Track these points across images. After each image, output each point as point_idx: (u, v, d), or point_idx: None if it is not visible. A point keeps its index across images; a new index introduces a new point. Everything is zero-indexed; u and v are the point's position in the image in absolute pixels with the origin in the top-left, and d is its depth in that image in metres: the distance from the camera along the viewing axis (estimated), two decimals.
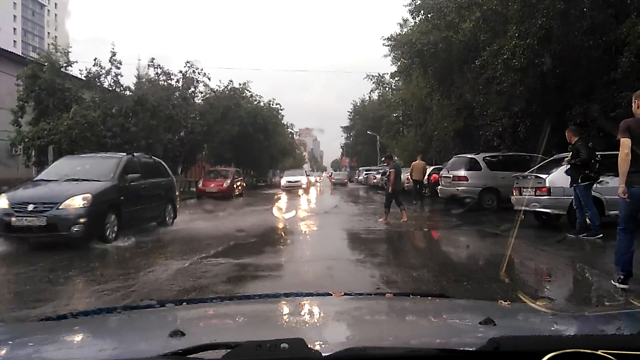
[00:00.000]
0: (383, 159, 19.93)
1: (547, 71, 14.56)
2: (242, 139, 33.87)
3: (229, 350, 1.17)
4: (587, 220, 9.00)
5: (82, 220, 8.86)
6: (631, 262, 5.47)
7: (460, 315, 2.01)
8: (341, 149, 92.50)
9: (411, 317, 2.04)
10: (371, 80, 45.42)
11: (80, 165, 10.87)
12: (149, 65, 26.18)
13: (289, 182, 34.53)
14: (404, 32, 26.52)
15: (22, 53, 47.56)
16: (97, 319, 2.01)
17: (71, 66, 22.25)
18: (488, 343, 1.19)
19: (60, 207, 8.87)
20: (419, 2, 20.94)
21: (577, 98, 14.65)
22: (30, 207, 8.79)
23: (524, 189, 10.99)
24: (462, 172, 15.86)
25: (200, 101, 31.97)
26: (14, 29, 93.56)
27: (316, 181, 51.80)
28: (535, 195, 10.51)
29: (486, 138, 18.87)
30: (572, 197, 9.36)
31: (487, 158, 15.91)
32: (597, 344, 1.15)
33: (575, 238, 9.03)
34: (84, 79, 23.05)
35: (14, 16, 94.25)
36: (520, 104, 16.12)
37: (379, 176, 32.21)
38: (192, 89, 29.54)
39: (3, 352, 1.44)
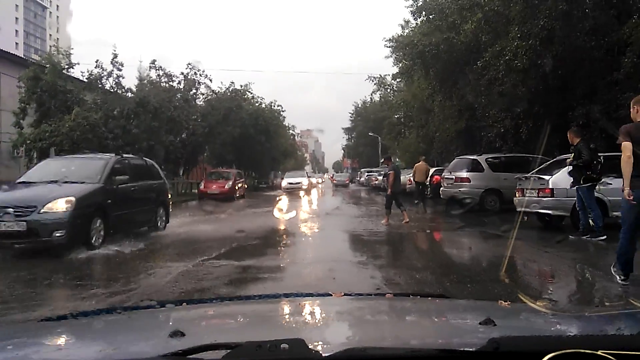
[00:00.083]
0: (382, 160, 19.90)
1: (549, 72, 14.54)
2: (244, 141, 33.86)
3: (229, 350, 1.17)
4: (591, 221, 8.96)
5: (64, 225, 8.26)
6: (632, 262, 5.53)
7: (460, 315, 2.02)
8: (342, 151, 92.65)
9: (411, 318, 2.04)
10: (372, 81, 45.42)
11: (65, 167, 10.28)
12: (150, 67, 26.27)
13: (289, 183, 34.39)
14: (405, 34, 26.54)
15: (24, 55, 47.62)
16: (97, 319, 2.00)
17: (73, 68, 22.32)
18: (488, 343, 1.18)
19: (41, 211, 8.24)
20: (420, 3, 20.90)
21: (579, 99, 14.62)
22: (10, 211, 8.16)
23: (527, 191, 10.95)
24: (464, 174, 15.82)
25: (201, 103, 31.98)
26: (16, 31, 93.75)
27: (318, 183, 51.78)
28: (538, 197, 10.47)
29: (488, 139, 18.84)
30: (575, 198, 9.32)
31: (490, 159, 15.87)
32: (597, 344, 1.15)
33: (578, 239, 8.99)
34: (86, 80, 23.08)
35: (16, 18, 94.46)
36: (522, 105, 16.09)
37: (380, 177, 32.18)
38: (194, 91, 29.56)
39: (3, 352, 1.43)
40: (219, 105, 32.14)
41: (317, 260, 8.12)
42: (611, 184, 8.99)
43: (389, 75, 40.27)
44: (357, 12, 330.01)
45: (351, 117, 67.89)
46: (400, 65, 26.07)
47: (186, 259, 8.13)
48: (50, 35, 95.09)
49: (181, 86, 28.11)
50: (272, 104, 40.16)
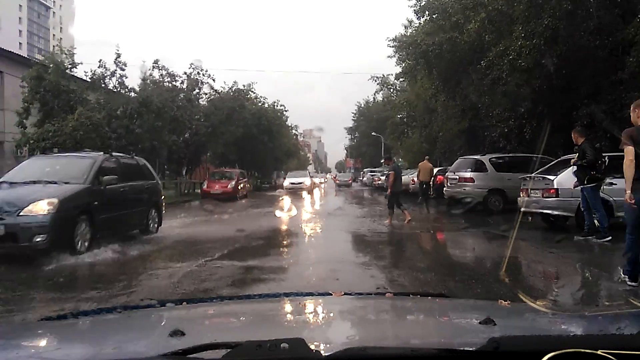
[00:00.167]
0: (383, 160, 19.85)
1: (553, 72, 14.48)
2: (247, 141, 33.85)
3: (229, 350, 1.17)
4: (596, 222, 8.89)
5: (46, 229, 7.62)
6: (638, 264, 5.51)
7: (460, 315, 2.02)
8: (345, 151, 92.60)
9: (411, 317, 2.04)
10: (376, 81, 45.43)
11: (50, 166, 9.63)
12: (153, 67, 26.23)
13: (292, 183, 34.31)
14: (408, 33, 26.47)
15: (27, 55, 47.73)
16: (97, 318, 2.00)
17: (76, 68, 22.29)
18: (488, 343, 1.19)
19: (21, 214, 7.62)
20: (423, 2, 20.87)
21: (583, 99, 14.56)
22: None
23: (531, 191, 10.90)
24: (468, 174, 15.78)
25: (204, 103, 31.98)
26: (20, 31, 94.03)
27: (321, 183, 51.74)
28: (543, 197, 10.41)
29: (492, 139, 18.79)
30: (580, 198, 9.26)
31: (493, 159, 15.81)
32: (597, 344, 1.15)
33: (583, 240, 8.93)
34: (89, 80, 23.10)
35: (20, 18, 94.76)
36: (526, 104, 16.06)
37: (383, 177, 32.16)
38: (197, 91, 29.55)
39: (3, 351, 1.43)
40: (222, 105, 32.14)
41: (320, 261, 8.09)
42: (616, 184, 8.93)
43: (392, 75, 40.26)
44: (360, 12, 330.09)
45: (354, 117, 67.93)
46: (404, 65, 26.02)
47: (180, 263, 7.81)
48: (53, 35, 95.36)
49: (184, 86, 28.13)
50: (275, 104, 40.16)
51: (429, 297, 2.41)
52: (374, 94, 54.47)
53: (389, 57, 31.30)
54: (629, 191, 5.39)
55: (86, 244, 8.33)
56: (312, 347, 1.19)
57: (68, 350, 1.51)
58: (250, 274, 7.00)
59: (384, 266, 7.56)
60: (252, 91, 35.39)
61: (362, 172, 56.41)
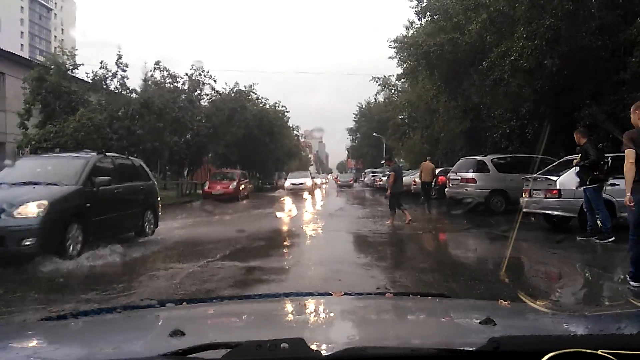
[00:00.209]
0: (383, 161, 19.81)
1: (555, 72, 14.47)
2: (248, 142, 33.86)
3: (229, 350, 1.17)
4: (599, 222, 8.87)
5: (35, 232, 7.30)
6: None
7: (460, 315, 2.02)
8: (347, 152, 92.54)
9: (411, 317, 2.04)
10: (377, 82, 45.34)
11: (41, 167, 9.30)
12: (155, 68, 26.24)
13: (293, 184, 34.15)
14: (410, 34, 26.44)
15: (29, 56, 47.77)
16: (97, 318, 2.01)
17: (77, 69, 22.35)
18: (488, 343, 1.19)
19: (8, 217, 7.33)
20: (425, 3, 20.88)
21: (585, 99, 14.54)
22: None
23: (534, 191, 10.87)
24: (470, 174, 15.75)
25: (206, 103, 32.02)
26: (22, 32, 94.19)
27: (322, 183, 51.69)
28: (546, 198, 10.38)
29: (493, 140, 18.76)
30: (583, 199, 9.23)
31: (495, 160, 15.78)
32: (597, 344, 1.15)
33: (586, 241, 8.90)
34: (91, 81, 23.12)
35: (22, 20, 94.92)
36: (528, 105, 16.03)
37: (384, 178, 32.12)
38: (198, 92, 29.58)
39: (3, 352, 1.43)
40: (224, 106, 32.16)
41: (322, 262, 8.06)
42: (618, 184, 8.87)
43: (393, 75, 40.22)
44: (361, 13, 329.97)
45: (355, 117, 67.91)
46: (405, 66, 26.00)
47: (176, 265, 7.59)
48: (55, 36, 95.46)
49: (185, 87, 28.14)
50: (277, 105, 40.20)
51: (429, 297, 2.41)
52: (375, 95, 54.49)
53: (390, 58, 31.21)
54: (629, 194, 5.46)
55: (78, 247, 8.03)
56: (312, 347, 1.19)
57: (68, 350, 1.51)
58: (252, 275, 6.97)
59: (386, 267, 7.54)
60: (253, 92, 35.47)
61: (363, 173, 56.40)
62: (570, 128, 12.58)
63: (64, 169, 8.95)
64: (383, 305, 2.20)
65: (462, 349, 1.25)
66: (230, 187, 26.44)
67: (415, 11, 21.31)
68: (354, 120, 68.80)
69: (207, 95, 31.70)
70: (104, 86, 23.25)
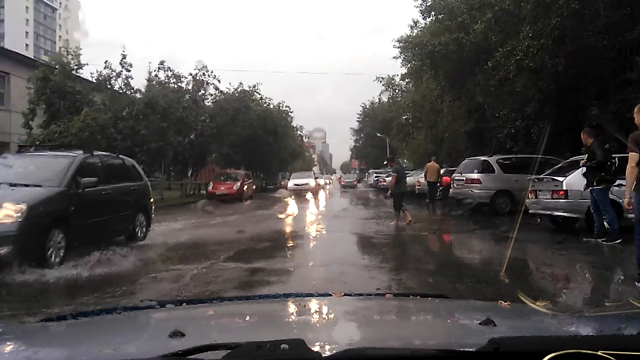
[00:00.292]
0: (385, 162, 19.74)
1: (560, 72, 14.39)
2: (252, 142, 33.85)
3: (228, 350, 1.17)
4: (606, 224, 8.79)
5: (12, 239, 6.72)
6: None
7: (460, 315, 2.02)
8: (350, 152, 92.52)
9: (411, 318, 2.04)
10: (381, 82, 45.24)
11: (22, 167, 8.55)
12: (159, 68, 26.24)
13: (296, 185, 33.94)
14: (414, 34, 26.38)
15: (34, 56, 47.93)
16: (97, 319, 2.01)
17: (82, 69, 22.39)
18: (488, 343, 1.19)
19: None
20: (429, 3, 20.81)
21: (591, 99, 14.45)
22: None
23: (540, 192, 10.79)
24: (475, 175, 15.67)
25: (210, 104, 31.97)
26: (26, 32, 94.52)
27: (326, 184, 51.61)
28: (552, 199, 10.30)
29: (498, 140, 18.68)
30: (590, 200, 9.15)
31: (501, 160, 15.69)
32: (597, 344, 1.15)
33: (593, 242, 8.82)
34: (95, 81, 23.15)
35: (27, 20, 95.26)
36: (533, 105, 15.94)
37: (388, 179, 32.05)
38: (202, 92, 29.55)
39: (3, 352, 1.44)
40: (228, 106, 32.13)
41: (327, 263, 7.99)
42: (632, 187, 8.81)
43: (397, 75, 40.13)
44: (365, 13, 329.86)
45: (359, 118, 67.84)
46: (409, 65, 25.94)
47: (167, 274, 7.11)
48: (60, 36, 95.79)
49: (190, 87, 28.12)
50: (280, 105, 40.16)
51: (429, 298, 2.41)
52: (379, 95, 54.43)
53: (394, 58, 31.17)
54: (627, 197, 5.55)
55: (61, 254, 7.41)
56: (312, 347, 1.19)
57: (68, 351, 1.51)
58: (257, 277, 6.91)
59: (392, 269, 7.47)
60: (257, 92, 35.40)
61: (367, 174, 56.34)
62: (576, 128, 12.51)
63: (47, 169, 8.23)
64: (383, 306, 2.20)
65: (462, 349, 1.24)
66: (234, 187, 26.42)
67: (420, 10, 21.25)
68: (358, 121, 68.79)
69: (211, 95, 31.70)
70: (108, 86, 23.28)
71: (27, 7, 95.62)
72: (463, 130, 22.81)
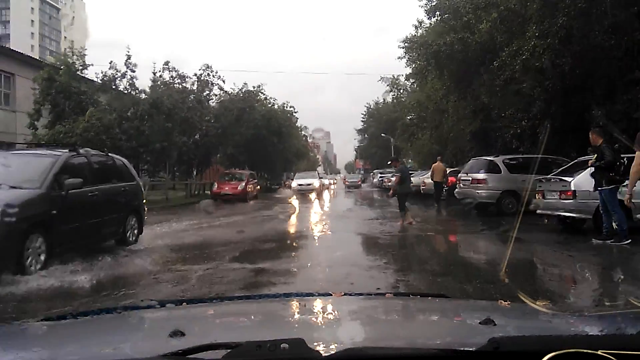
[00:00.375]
0: (389, 162, 19.67)
1: (567, 71, 14.30)
2: (256, 142, 33.86)
3: (229, 350, 1.17)
4: (614, 225, 8.70)
5: None
6: None
7: (460, 315, 2.02)
8: (355, 152, 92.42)
9: (411, 317, 2.04)
10: (385, 82, 45.19)
11: (0, 166, 7.79)
12: (164, 68, 26.30)
13: (300, 185, 33.53)
14: (419, 34, 26.32)
15: (39, 57, 48.06)
16: (97, 319, 2.01)
17: (87, 69, 22.48)
18: (488, 343, 1.19)
19: None
20: (434, 2, 20.75)
21: (598, 99, 14.36)
22: None
23: (548, 193, 10.70)
24: (481, 175, 15.57)
25: (214, 104, 32.03)
26: (32, 33, 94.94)
27: (330, 184, 51.53)
28: (560, 199, 10.21)
29: (504, 140, 18.58)
30: (599, 201, 9.06)
31: (507, 160, 15.58)
32: (597, 344, 1.15)
33: (602, 244, 8.73)
34: (100, 82, 23.20)
35: (32, 21, 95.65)
36: (539, 105, 15.85)
37: (393, 179, 31.92)
38: (207, 92, 29.60)
39: (3, 352, 1.43)
40: (232, 106, 32.19)
41: (333, 265, 7.91)
42: (635, 186, 8.73)
43: (402, 75, 40.05)
44: (370, 13, 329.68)
45: (363, 118, 67.76)
46: (414, 65, 25.88)
47: (160, 284, 6.56)
48: (65, 37, 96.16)
49: (194, 87, 28.17)
50: (285, 105, 40.17)
51: (429, 298, 2.41)
52: (384, 95, 54.40)
53: (399, 58, 31.10)
54: (628, 195, 5.31)
55: (41, 261, 6.84)
56: (312, 347, 1.19)
57: (68, 350, 1.50)
58: (262, 278, 6.86)
59: (399, 270, 7.40)
60: (261, 92, 35.46)
61: (372, 174, 56.29)
62: (582, 128, 12.42)
63: (27, 170, 7.61)
64: (383, 306, 2.20)
65: (462, 349, 1.24)
66: (239, 187, 26.40)
67: (425, 10, 21.22)
68: (362, 121, 68.67)
69: (216, 95, 31.79)
70: (113, 87, 23.34)
71: (32, 9, 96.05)
72: (468, 131, 22.74)
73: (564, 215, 10.45)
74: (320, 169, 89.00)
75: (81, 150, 8.80)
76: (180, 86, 26.93)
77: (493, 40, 16.84)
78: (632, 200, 9.01)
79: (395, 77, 43.53)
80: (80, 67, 21.89)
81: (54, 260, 6.97)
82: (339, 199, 31.57)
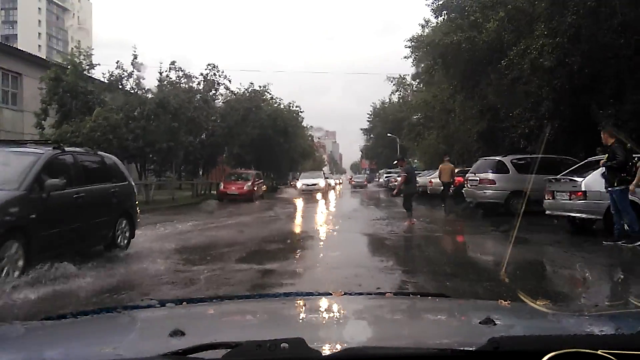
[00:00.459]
0: (395, 162, 19.58)
1: (576, 71, 14.18)
2: (263, 142, 33.82)
3: (229, 350, 1.17)
4: (626, 226, 8.60)
5: None
6: None
7: (460, 315, 2.03)
8: (361, 152, 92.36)
9: (411, 317, 2.04)
10: (392, 82, 45.09)
11: None
12: (170, 68, 26.29)
13: (305, 185, 33.27)
14: (425, 33, 26.24)
15: (46, 57, 48.25)
16: (97, 318, 2.01)
17: (94, 69, 22.53)
18: (488, 343, 1.19)
19: None
20: (441, 1, 20.64)
21: (607, 99, 14.24)
22: None
23: (557, 193, 10.60)
24: (489, 175, 15.46)
25: (221, 104, 32.01)
26: (39, 33, 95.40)
27: (336, 184, 51.45)
28: (570, 200, 10.11)
29: (511, 140, 18.44)
30: (609, 201, 8.96)
31: (515, 160, 15.45)
32: (597, 344, 1.15)
33: (613, 245, 8.63)
34: (107, 81, 23.25)
35: (39, 21, 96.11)
36: (547, 104, 15.73)
37: (399, 179, 31.81)
38: (213, 92, 29.57)
39: (4, 351, 1.44)
40: (238, 106, 32.16)
41: (341, 266, 7.82)
42: None
43: (408, 75, 39.97)
44: (376, 12, 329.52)
45: (369, 118, 67.69)
46: (422, 65, 25.80)
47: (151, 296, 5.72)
48: (72, 37, 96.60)
49: (201, 87, 28.16)
50: (291, 105, 40.10)
51: (429, 297, 2.42)
52: (390, 95, 54.29)
53: (405, 57, 31.03)
54: (634, 185, 6.15)
55: (18, 268, 6.25)
56: (312, 346, 1.19)
57: (68, 350, 1.50)
58: (269, 279, 6.81)
59: (408, 271, 7.34)
60: (267, 92, 35.38)
61: (377, 174, 56.21)
62: (590, 128, 12.30)
63: (5, 169, 6.98)
64: (383, 305, 2.19)
65: (462, 348, 1.24)
66: (245, 187, 26.38)
67: (432, 9, 21.10)
68: (368, 121, 68.63)
69: (222, 95, 31.74)
70: (120, 86, 23.37)
71: (39, 9, 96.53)
72: (475, 130, 22.61)
73: (574, 216, 10.36)
74: (326, 169, 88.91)
75: (67, 149, 8.17)
76: (186, 86, 26.92)
77: (500, 39, 16.73)
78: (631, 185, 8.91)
79: (402, 76, 43.46)
80: (87, 67, 21.94)
81: (32, 269, 6.26)
82: (345, 199, 31.52)
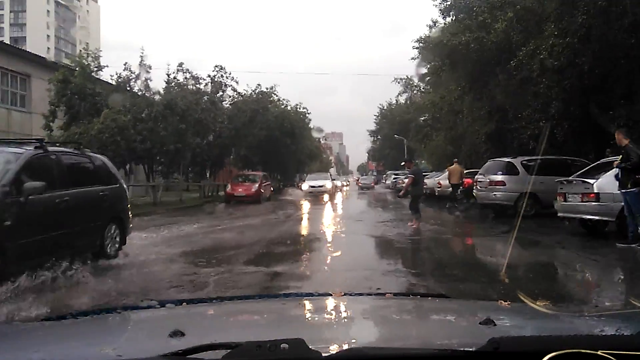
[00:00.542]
0: (402, 163, 19.53)
1: (586, 71, 14.04)
2: (270, 143, 33.80)
3: (229, 350, 1.18)
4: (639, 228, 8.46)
5: None
6: None
7: (460, 315, 2.02)
8: (367, 153, 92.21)
9: (411, 317, 2.05)
10: (399, 83, 44.97)
11: None
12: (177, 70, 26.32)
13: (312, 187, 32.58)
14: (433, 34, 26.11)
15: (55, 59, 48.50)
16: (97, 319, 2.01)
17: (102, 70, 22.61)
18: (488, 343, 1.19)
19: None
20: (449, 2, 20.56)
21: (618, 99, 14.08)
22: None
23: (569, 195, 10.46)
24: (499, 177, 15.32)
25: (228, 105, 32.02)
26: (47, 36, 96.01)
27: (343, 186, 51.31)
28: (582, 202, 9.97)
29: (520, 141, 18.29)
30: (623, 203, 8.83)
31: (525, 162, 15.30)
32: (597, 344, 1.16)
33: (626, 247, 8.49)
34: (115, 83, 23.31)
35: (47, 24, 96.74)
36: (556, 105, 15.59)
37: (407, 180, 31.67)
38: (220, 93, 29.60)
39: (3, 352, 1.44)
40: (245, 107, 32.17)
41: (350, 268, 7.72)
42: None
43: (415, 76, 39.83)
44: (383, 13, 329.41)
45: (376, 119, 67.56)
46: (429, 66, 25.68)
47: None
48: (79, 39, 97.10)
49: (208, 89, 28.18)
50: (298, 106, 40.07)
51: (429, 298, 2.43)
52: (397, 96, 54.19)
53: (412, 58, 30.91)
54: None
55: None
56: (312, 347, 1.19)
57: (68, 350, 1.51)
58: (278, 282, 6.73)
59: (418, 274, 7.23)
60: (274, 94, 35.38)
61: (385, 175, 56.08)
62: (601, 129, 12.15)
63: None
64: (383, 306, 2.20)
65: (462, 349, 1.25)
66: (252, 189, 26.33)
67: (440, 10, 21.07)
68: (375, 122, 68.55)
69: (229, 96, 31.77)
70: (128, 88, 23.44)
71: (48, 11, 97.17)
72: (483, 132, 22.47)
73: (586, 218, 10.22)
74: (332, 170, 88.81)
75: (50, 148, 7.38)
76: (194, 87, 26.95)
77: (509, 39, 16.62)
78: None
79: (409, 77, 43.34)
80: (95, 69, 22.01)
81: (9, 280, 5.68)
82: (352, 201, 31.42)
